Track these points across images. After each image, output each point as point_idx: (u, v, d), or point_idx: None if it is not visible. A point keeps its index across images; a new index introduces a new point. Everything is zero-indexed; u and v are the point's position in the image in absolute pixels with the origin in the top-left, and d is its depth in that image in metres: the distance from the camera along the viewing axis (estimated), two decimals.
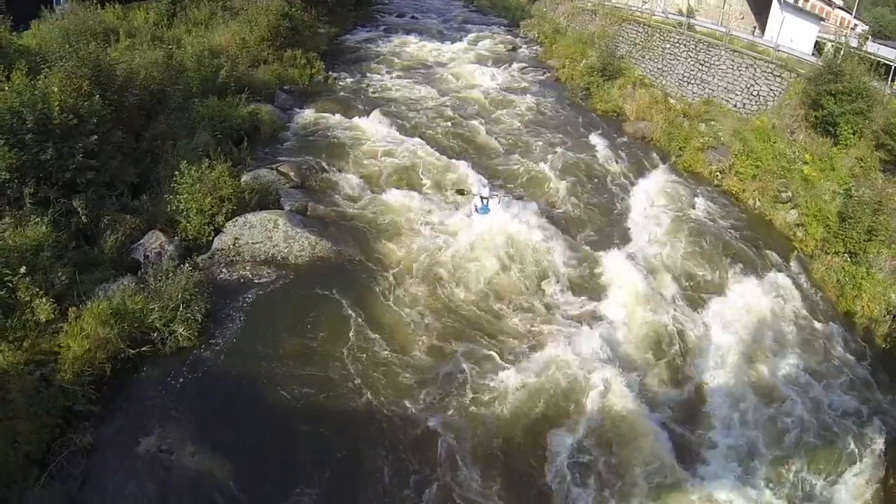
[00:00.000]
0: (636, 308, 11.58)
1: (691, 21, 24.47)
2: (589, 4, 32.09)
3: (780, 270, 13.55)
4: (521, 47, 31.46)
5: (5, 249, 8.80)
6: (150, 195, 12.09)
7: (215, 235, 11.63)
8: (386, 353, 9.78)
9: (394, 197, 13.97)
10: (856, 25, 30.52)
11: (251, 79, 18.73)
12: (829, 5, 30.47)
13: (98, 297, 9.04)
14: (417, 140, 17.00)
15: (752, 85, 19.28)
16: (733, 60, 20.26)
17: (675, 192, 16.39)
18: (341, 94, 21.34)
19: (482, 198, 13.27)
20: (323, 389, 9.00)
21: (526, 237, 12.80)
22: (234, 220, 11.83)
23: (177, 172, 11.53)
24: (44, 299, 8.55)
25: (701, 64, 21.38)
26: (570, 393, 9.45)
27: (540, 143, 18.59)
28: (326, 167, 15.06)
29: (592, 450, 8.76)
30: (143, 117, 14.04)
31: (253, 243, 11.50)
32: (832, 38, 23.47)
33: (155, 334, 9.03)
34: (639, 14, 27.26)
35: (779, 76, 18.65)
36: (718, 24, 25.47)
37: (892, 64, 18.08)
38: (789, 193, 15.66)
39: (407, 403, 9.07)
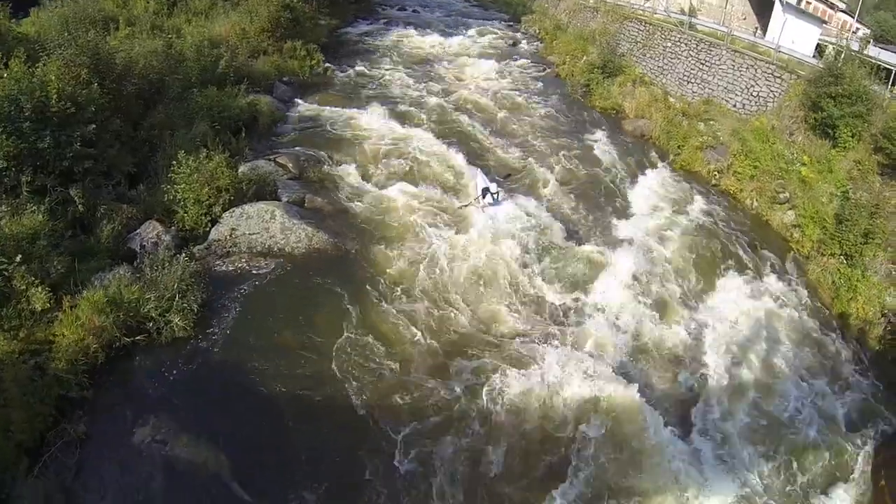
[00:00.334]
0: (631, 306, 11.61)
1: (693, 20, 24.43)
2: (590, 1, 31.96)
3: (775, 271, 13.63)
4: (521, 43, 31.33)
5: (1, 238, 8.77)
6: (148, 185, 12.06)
7: (212, 226, 11.63)
8: (382, 347, 9.79)
9: (392, 190, 13.97)
10: (858, 29, 30.46)
11: (250, 69, 18.66)
12: (832, 8, 30.39)
13: (94, 286, 9.03)
14: (417, 133, 16.97)
15: (752, 85, 19.27)
16: (734, 60, 20.24)
17: (672, 191, 16.42)
18: (341, 86, 21.30)
19: (492, 193, 13.47)
20: (318, 381, 9.02)
21: (524, 233, 12.84)
22: (231, 210, 11.83)
23: (174, 162, 11.52)
24: (39, 288, 8.54)
25: (701, 63, 21.36)
26: (569, 393, 9.46)
27: (538, 138, 18.58)
28: (325, 159, 15.04)
29: (592, 451, 8.78)
30: (142, 106, 13.97)
31: (250, 234, 11.49)
32: (834, 40, 23.43)
33: (151, 324, 9.04)
34: (640, 12, 27.20)
35: (779, 77, 18.64)
36: (720, 24, 25.45)
37: (892, 68, 18.08)
38: (787, 194, 15.71)
39: (401, 397, 9.08)
